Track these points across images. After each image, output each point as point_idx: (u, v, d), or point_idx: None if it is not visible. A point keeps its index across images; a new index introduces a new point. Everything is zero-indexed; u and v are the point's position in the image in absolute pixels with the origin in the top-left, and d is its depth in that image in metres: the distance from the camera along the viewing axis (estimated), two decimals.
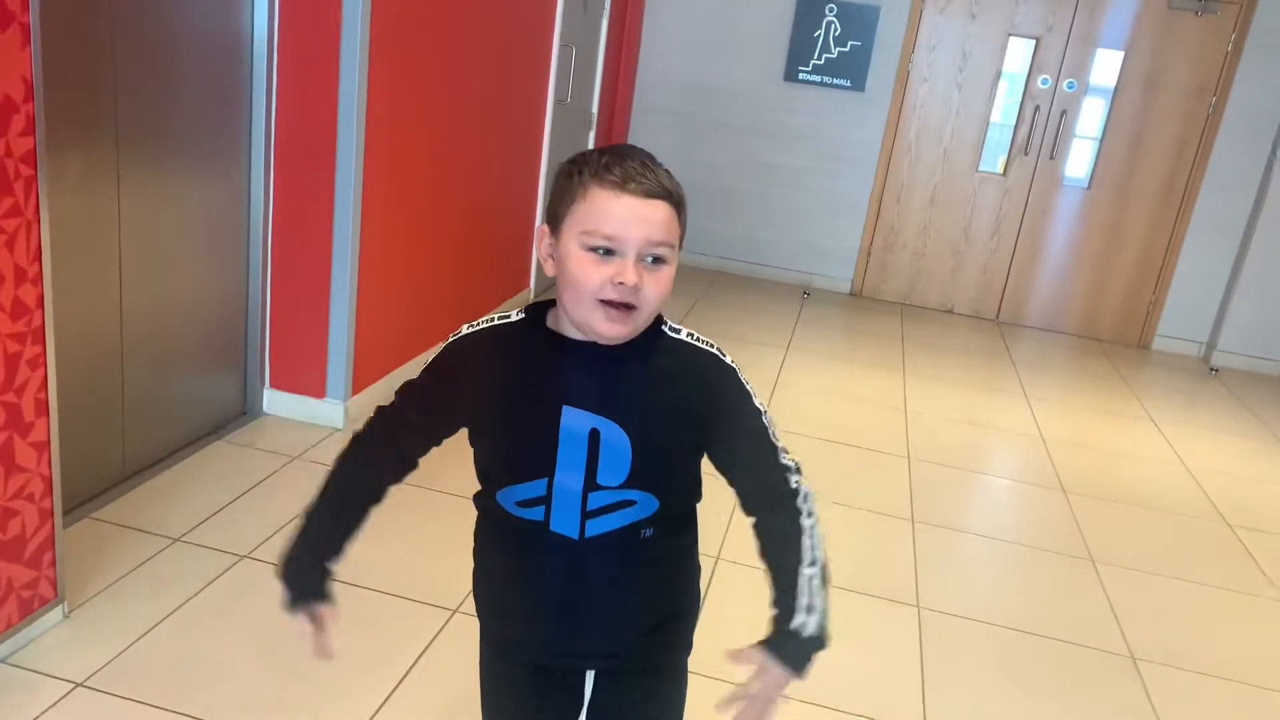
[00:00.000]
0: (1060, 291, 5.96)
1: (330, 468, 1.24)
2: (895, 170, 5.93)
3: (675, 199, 1.07)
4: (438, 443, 1.22)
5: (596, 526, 1.13)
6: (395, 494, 2.79)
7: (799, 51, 5.77)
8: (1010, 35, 5.62)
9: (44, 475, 2.01)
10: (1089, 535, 3.22)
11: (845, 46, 5.72)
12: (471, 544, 1.29)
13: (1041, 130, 5.70)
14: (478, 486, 1.25)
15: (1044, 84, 5.64)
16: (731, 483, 1.19)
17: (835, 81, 5.78)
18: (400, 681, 2.06)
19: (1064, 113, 5.65)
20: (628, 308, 1.06)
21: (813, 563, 1.15)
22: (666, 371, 1.14)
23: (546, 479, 1.12)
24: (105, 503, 2.56)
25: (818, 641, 1.14)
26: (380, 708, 1.98)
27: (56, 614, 2.09)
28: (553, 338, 1.14)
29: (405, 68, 3.20)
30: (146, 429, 2.75)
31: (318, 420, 3.17)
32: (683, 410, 1.14)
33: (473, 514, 1.28)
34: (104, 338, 2.54)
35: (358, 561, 2.43)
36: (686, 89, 5.97)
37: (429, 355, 1.21)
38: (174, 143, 2.66)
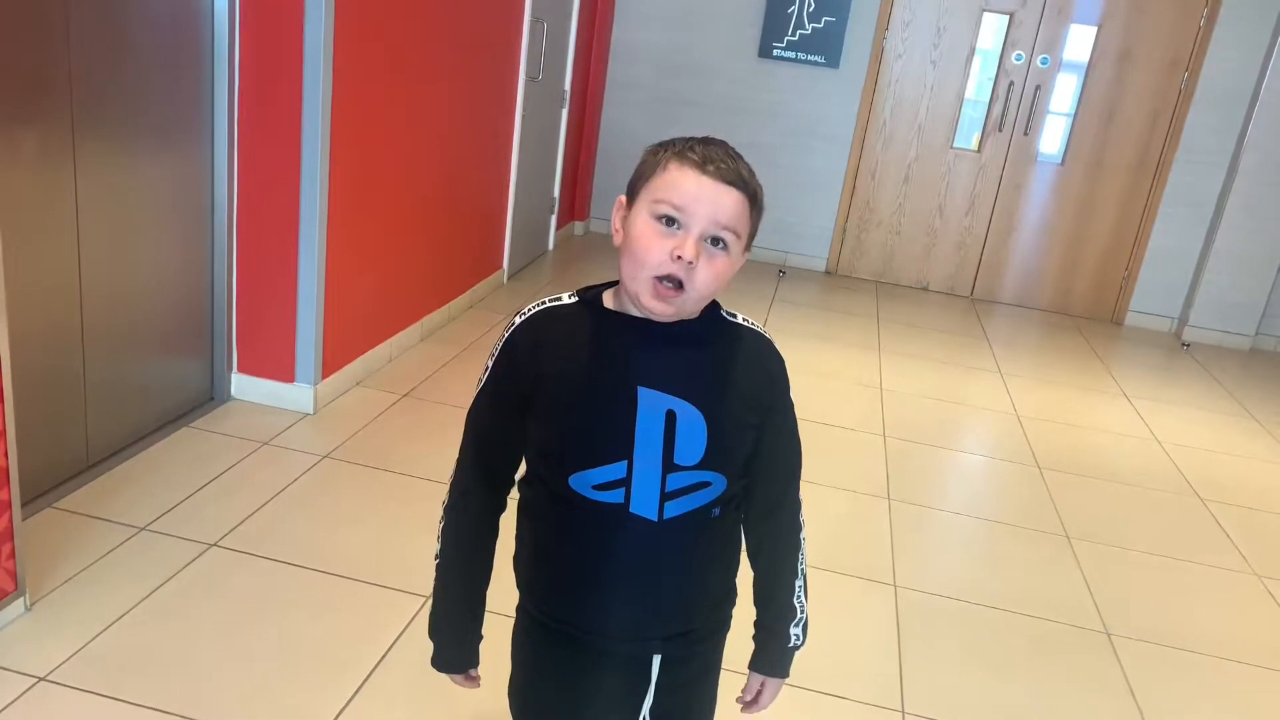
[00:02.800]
0: (1034, 268, 5.97)
1: (441, 525, 1.25)
2: (870, 147, 5.90)
3: (750, 192, 1.09)
4: (523, 444, 1.19)
5: (674, 508, 1.13)
6: (367, 478, 2.73)
7: (773, 28, 5.73)
8: (984, 11, 5.60)
9: (0, 465, 1.95)
10: (1064, 511, 3.23)
11: (819, 22, 5.68)
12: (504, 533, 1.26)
13: (1015, 106, 5.69)
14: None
15: (1018, 59, 5.63)
16: (754, 473, 1.21)
17: (810, 58, 5.74)
18: (373, 669, 2.03)
19: (1038, 88, 5.65)
20: (678, 286, 1.06)
21: (801, 575, 1.27)
22: (731, 354, 1.17)
23: (626, 461, 1.11)
24: (68, 492, 2.50)
25: (802, 645, 1.28)
26: (353, 696, 1.95)
27: (18, 606, 2.04)
28: (617, 318, 1.14)
29: (372, 43, 3.13)
30: (110, 416, 2.69)
31: (287, 405, 3.12)
32: (748, 392, 1.17)
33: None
34: (63, 322, 2.47)
35: (329, 547, 2.40)
36: (660, 66, 5.91)
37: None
38: (132, 120, 2.59)
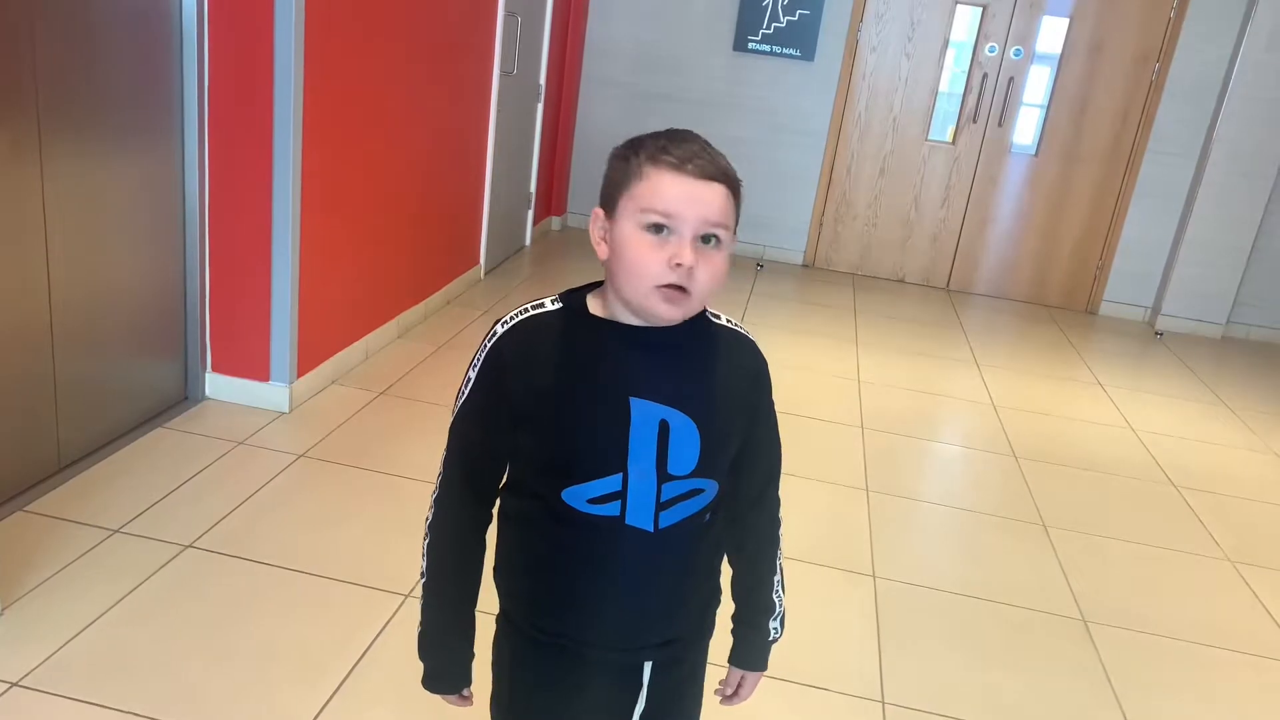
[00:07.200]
0: (1009, 259, 6.02)
1: (426, 539, 1.21)
2: (845, 140, 5.92)
3: (732, 183, 1.06)
4: (509, 455, 1.16)
5: (670, 517, 1.12)
6: (344, 476, 2.71)
7: (748, 20, 5.73)
8: (958, 3, 5.62)
9: None
10: (1040, 500, 3.26)
11: (794, 15, 5.68)
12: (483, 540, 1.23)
13: (989, 98, 5.73)
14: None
15: (991, 52, 5.66)
16: (737, 472, 1.20)
17: (784, 51, 5.75)
18: (351, 670, 2.02)
19: (1011, 80, 5.68)
20: (682, 291, 1.05)
21: (779, 570, 1.29)
22: (720, 358, 1.16)
23: (621, 474, 1.09)
24: (39, 495, 2.47)
25: (779, 637, 1.30)
26: (331, 697, 1.93)
27: None
28: (605, 326, 1.11)
29: (344, 39, 3.10)
30: (81, 417, 2.65)
31: (262, 404, 3.09)
32: (736, 395, 1.16)
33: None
34: (31, 324, 2.44)
35: (306, 547, 2.38)
36: (635, 59, 5.89)
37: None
38: (100, 120, 2.55)
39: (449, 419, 1.19)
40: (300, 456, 2.85)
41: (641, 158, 1.05)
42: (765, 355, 1.21)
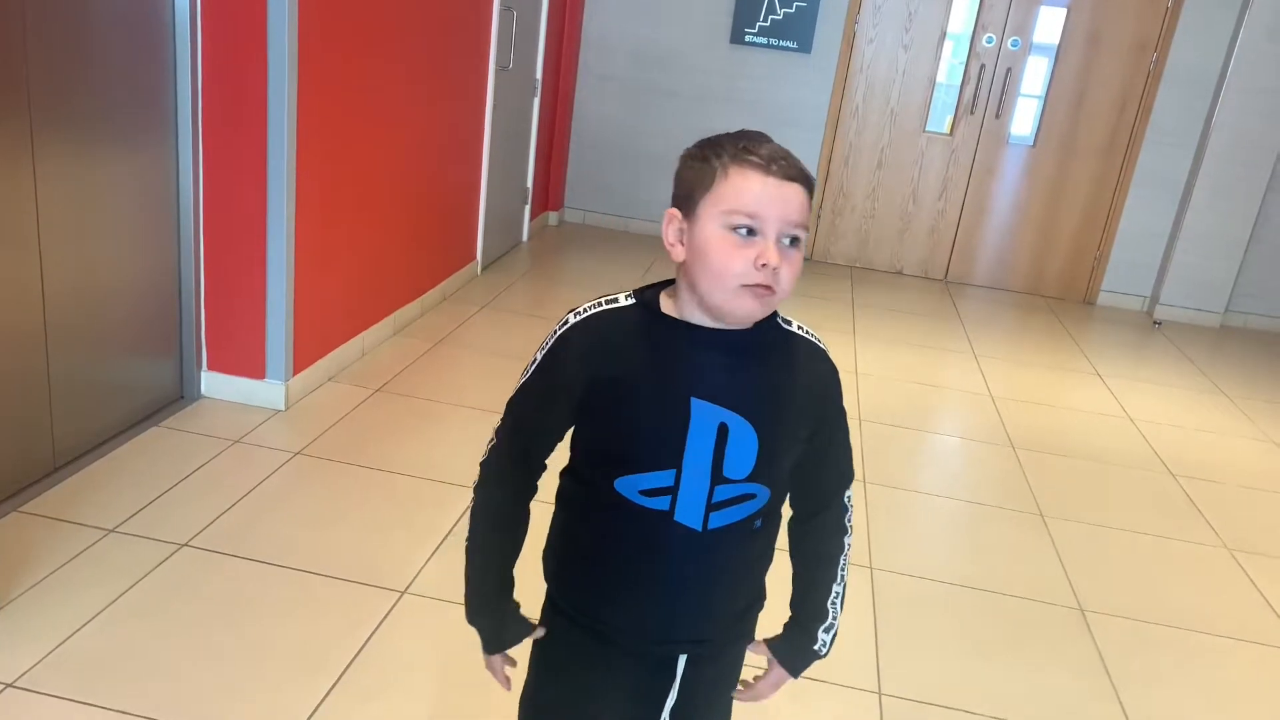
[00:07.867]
0: (1007, 250, 6.01)
1: (472, 505, 1.23)
2: (843, 133, 5.91)
3: (809, 184, 1.08)
4: (560, 437, 1.19)
5: (719, 519, 1.13)
6: (340, 474, 2.72)
7: (744, 13, 5.71)
8: None
9: None
10: (1038, 491, 3.25)
11: (791, 7, 5.66)
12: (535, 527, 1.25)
13: (987, 89, 5.71)
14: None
15: (989, 42, 5.64)
16: (801, 481, 1.21)
17: (781, 43, 5.73)
18: (347, 667, 2.01)
19: (1009, 71, 5.66)
20: (769, 289, 1.06)
21: (841, 581, 1.25)
22: (787, 366, 1.16)
23: (674, 470, 1.10)
24: (34, 495, 2.46)
25: (826, 654, 1.27)
26: (327, 695, 1.93)
27: None
28: (675, 325, 1.12)
29: (338, 33, 3.09)
30: (76, 417, 2.65)
31: (258, 402, 3.09)
32: (802, 406, 1.16)
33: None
34: (25, 323, 2.43)
35: (303, 544, 2.38)
36: (632, 53, 5.88)
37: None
38: (93, 118, 2.54)
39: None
40: (296, 454, 2.85)
41: (725, 159, 1.06)
42: None
